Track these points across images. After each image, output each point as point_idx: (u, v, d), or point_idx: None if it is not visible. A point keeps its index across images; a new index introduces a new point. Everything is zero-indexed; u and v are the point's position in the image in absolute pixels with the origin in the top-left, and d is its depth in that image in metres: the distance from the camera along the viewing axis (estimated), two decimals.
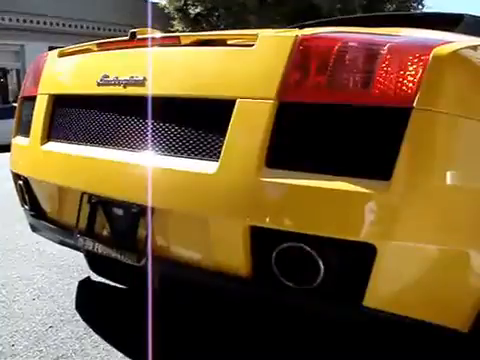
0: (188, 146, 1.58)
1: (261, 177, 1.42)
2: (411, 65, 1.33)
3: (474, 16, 2.50)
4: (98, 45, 1.95)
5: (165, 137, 1.63)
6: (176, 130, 1.61)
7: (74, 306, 2.32)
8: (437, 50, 1.35)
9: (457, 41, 1.47)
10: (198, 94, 1.58)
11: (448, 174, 1.36)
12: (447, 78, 1.36)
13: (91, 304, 2.40)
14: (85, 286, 2.58)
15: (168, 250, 1.69)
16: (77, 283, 2.59)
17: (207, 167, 1.51)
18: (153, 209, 1.64)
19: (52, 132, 2.05)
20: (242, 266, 1.50)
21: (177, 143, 1.60)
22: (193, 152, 1.57)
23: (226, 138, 1.49)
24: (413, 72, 1.33)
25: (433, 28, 2.11)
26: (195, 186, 1.53)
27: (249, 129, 1.46)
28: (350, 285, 1.40)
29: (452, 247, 1.41)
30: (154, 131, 1.66)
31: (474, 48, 1.50)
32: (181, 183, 1.56)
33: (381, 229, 1.34)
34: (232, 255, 1.51)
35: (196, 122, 1.59)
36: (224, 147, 1.49)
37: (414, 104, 1.31)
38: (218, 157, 1.50)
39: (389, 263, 1.36)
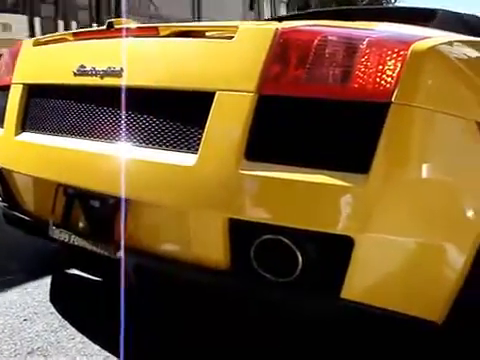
0: (166, 138, 1.57)
1: (240, 170, 1.42)
2: (390, 60, 1.35)
3: (448, 11, 2.53)
4: (74, 34, 1.92)
5: (143, 129, 1.62)
6: (154, 122, 1.60)
7: (48, 298, 2.30)
8: (416, 45, 1.37)
9: (435, 37, 1.49)
10: (177, 86, 1.57)
11: (425, 168, 1.38)
12: (425, 73, 1.38)
13: (66, 296, 2.37)
14: (59, 278, 2.54)
15: (145, 242, 1.68)
16: (51, 275, 2.56)
17: (186, 159, 1.50)
18: (130, 201, 1.63)
19: (27, 122, 2.01)
20: (221, 259, 1.50)
21: (155, 135, 1.59)
22: (172, 144, 1.56)
23: (205, 130, 1.48)
24: (392, 67, 1.34)
25: (408, 22, 2.14)
26: (174, 178, 1.52)
27: (228, 122, 1.46)
28: (328, 277, 1.41)
29: (428, 240, 1.43)
30: (132, 123, 1.65)
31: (452, 44, 1.53)
32: (159, 175, 1.55)
33: (359, 222, 1.36)
34: (211, 248, 1.51)
35: (175, 114, 1.58)
36: (203, 139, 1.48)
37: (392, 99, 1.32)
38: (197, 149, 1.49)
39: (366, 255, 1.38)
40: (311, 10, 3.44)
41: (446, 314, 1.50)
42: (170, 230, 1.62)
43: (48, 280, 2.50)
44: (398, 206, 1.37)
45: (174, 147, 1.55)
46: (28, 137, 1.98)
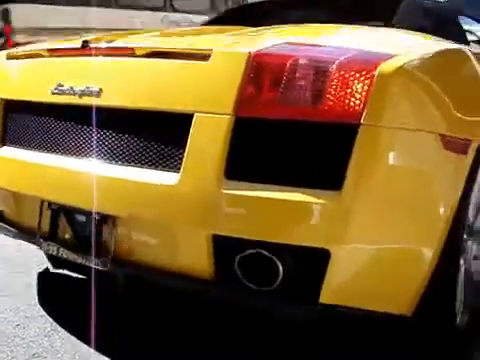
0: (148, 157, 1.64)
1: (221, 189, 1.50)
2: (358, 83, 1.43)
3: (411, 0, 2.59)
4: (49, 51, 1.93)
5: (125, 148, 1.68)
6: (136, 141, 1.66)
7: (37, 301, 2.35)
8: (382, 67, 1.46)
9: (401, 55, 1.56)
10: (156, 107, 1.63)
11: (393, 184, 1.49)
12: (392, 94, 1.48)
13: (54, 298, 2.42)
14: (46, 279, 2.59)
15: (132, 255, 1.75)
16: (37, 276, 2.60)
17: (168, 178, 1.58)
18: (116, 217, 1.70)
19: (6, 137, 2.04)
20: (206, 270, 1.59)
21: (138, 154, 1.66)
22: (154, 163, 1.63)
23: (186, 151, 1.55)
24: (360, 90, 1.43)
25: (372, 16, 2.21)
26: (157, 197, 1.60)
27: (208, 143, 1.53)
28: (307, 285, 1.53)
29: (397, 245, 1.56)
30: (113, 142, 1.70)
31: (417, 61, 1.61)
32: (143, 194, 1.62)
33: (333, 235, 1.47)
34: (196, 262, 1.60)
35: (156, 134, 1.64)
36: (184, 159, 1.55)
37: (361, 120, 1.42)
38: (179, 169, 1.57)
39: (341, 264, 1.49)
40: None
41: (415, 307, 1.64)
42: (156, 245, 1.71)
43: (35, 281, 2.54)
44: (369, 219, 1.48)
45: (156, 166, 1.62)
46: (8, 152, 2.01)
